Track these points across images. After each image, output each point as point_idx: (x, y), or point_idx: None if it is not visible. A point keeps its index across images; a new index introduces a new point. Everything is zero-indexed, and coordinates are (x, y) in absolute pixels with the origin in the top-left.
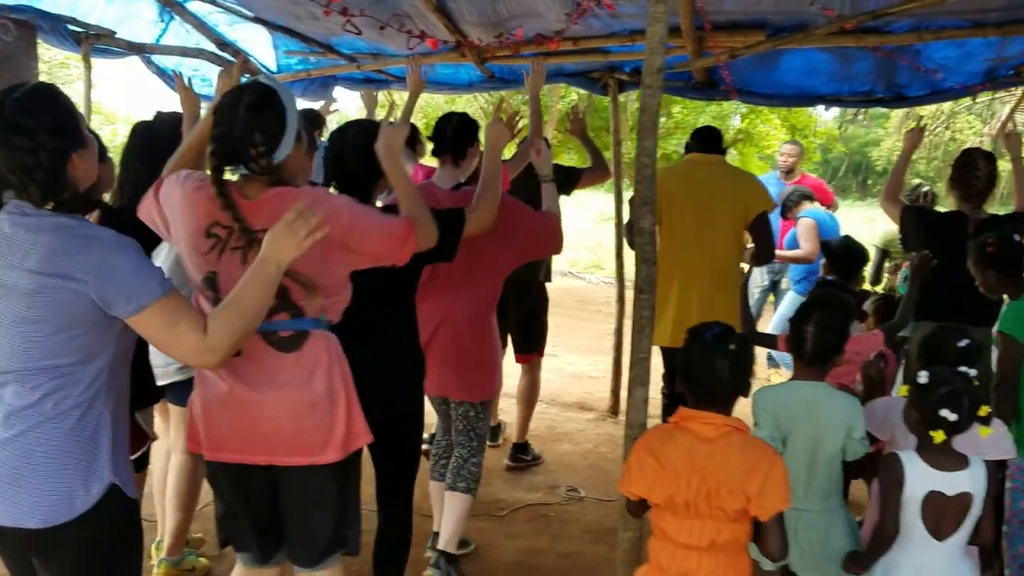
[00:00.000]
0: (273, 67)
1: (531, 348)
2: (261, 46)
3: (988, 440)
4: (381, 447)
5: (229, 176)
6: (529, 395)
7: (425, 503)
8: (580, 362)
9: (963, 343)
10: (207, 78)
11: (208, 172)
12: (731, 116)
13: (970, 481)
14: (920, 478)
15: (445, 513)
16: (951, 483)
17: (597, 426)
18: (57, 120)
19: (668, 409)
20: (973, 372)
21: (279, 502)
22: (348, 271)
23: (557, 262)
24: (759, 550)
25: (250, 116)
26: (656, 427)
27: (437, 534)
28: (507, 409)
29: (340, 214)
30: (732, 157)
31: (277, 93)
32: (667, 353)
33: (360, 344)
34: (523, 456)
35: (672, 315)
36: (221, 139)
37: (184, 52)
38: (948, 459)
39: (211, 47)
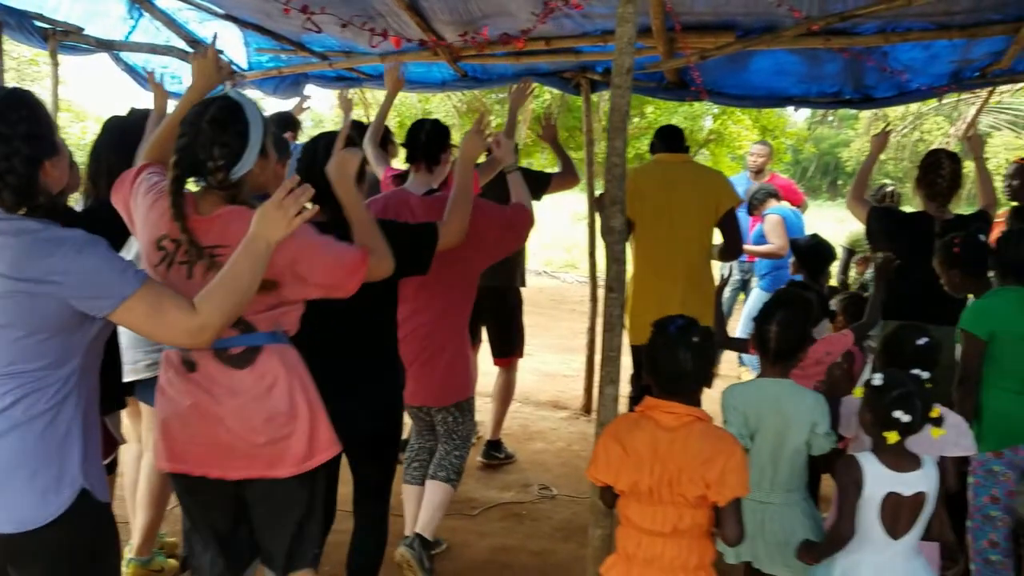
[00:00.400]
0: (244, 65)
1: (509, 351)
2: (232, 44)
3: (951, 436)
4: (360, 454)
5: (192, 188)
6: (504, 393)
7: (398, 505)
8: (554, 361)
9: (922, 341)
10: (177, 75)
11: (168, 182)
12: (703, 117)
13: (924, 480)
14: (879, 480)
15: (425, 500)
16: (908, 483)
17: (570, 424)
18: (32, 127)
19: (635, 401)
20: (926, 375)
21: (247, 515)
22: (298, 297)
23: (531, 262)
24: (719, 536)
25: (212, 130)
26: (622, 416)
27: (408, 545)
28: (481, 408)
29: (289, 241)
30: (704, 157)
31: (242, 108)
32: (635, 350)
33: (340, 354)
34: (496, 454)
35: (654, 315)
36: (183, 150)
37: (154, 49)
38: (904, 460)
39: (181, 44)
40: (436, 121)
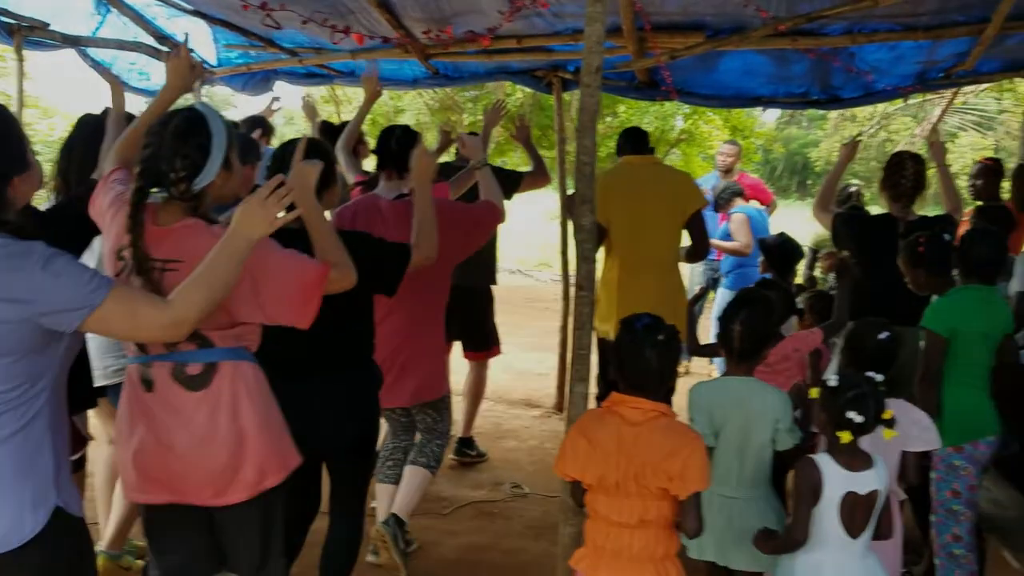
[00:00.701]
0: (213, 61)
1: (481, 347)
2: (201, 40)
3: (914, 431)
4: (337, 461)
5: (157, 198)
6: (476, 390)
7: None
8: (527, 359)
9: (883, 336)
10: (145, 72)
11: (131, 192)
12: (674, 116)
13: (876, 479)
14: (837, 480)
15: (402, 484)
16: (862, 482)
17: (543, 423)
18: (4, 145)
19: (601, 398)
20: (880, 377)
21: (211, 534)
22: (249, 319)
23: (505, 261)
24: (680, 528)
25: (175, 141)
26: (589, 411)
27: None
28: (453, 407)
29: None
30: (676, 157)
31: (206, 120)
32: (602, 347)
33: (320, 363)
34: (468, 451)
35: (622, 314)
36: (147, 161)
37: (121, 45)
38: (857, 459)
39: (149, 40)
40: (406, 127)
